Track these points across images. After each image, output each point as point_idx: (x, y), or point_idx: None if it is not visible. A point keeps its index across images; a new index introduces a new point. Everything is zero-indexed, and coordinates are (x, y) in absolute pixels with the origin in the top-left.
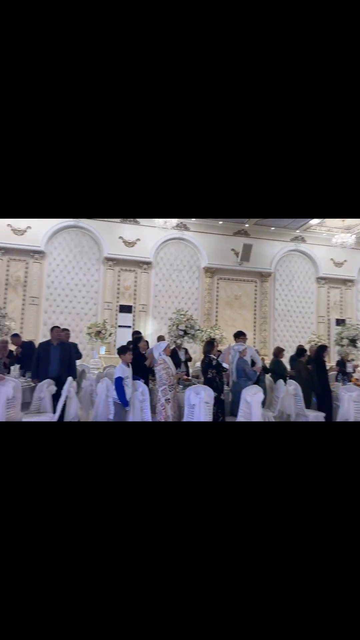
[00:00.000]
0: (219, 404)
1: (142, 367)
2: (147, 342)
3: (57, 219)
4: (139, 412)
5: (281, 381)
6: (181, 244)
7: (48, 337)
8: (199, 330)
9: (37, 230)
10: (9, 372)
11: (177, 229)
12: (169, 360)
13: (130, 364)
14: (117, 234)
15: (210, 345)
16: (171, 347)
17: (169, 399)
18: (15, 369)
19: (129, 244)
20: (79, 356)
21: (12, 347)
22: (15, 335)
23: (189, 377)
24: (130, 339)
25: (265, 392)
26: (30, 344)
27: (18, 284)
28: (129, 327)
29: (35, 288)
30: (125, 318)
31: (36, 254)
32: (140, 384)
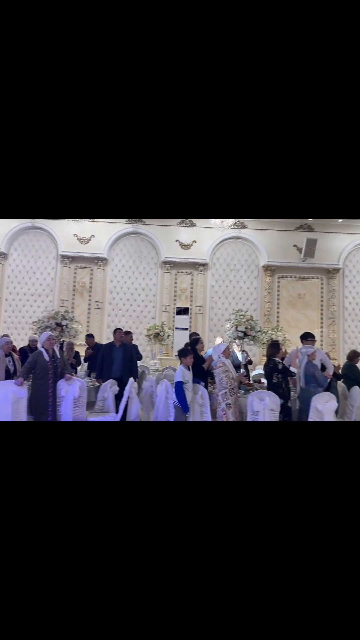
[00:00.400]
0: (285, 411)
1: (200, 370)
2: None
3: (118, 227)
4: (199, 416)
5: (356, 388)
6: (238, 243)
7: (112, 339)
8: (260, 331)
9: (100, 239)
10: (75, 372)
11: (234, 228)
12: (228, 363)
13: (190, 368)
14: (173, 238)
15: (275, 347)
16: (230, 350)
17: (230, 404)
18: (81, 368)
19: (185, 247)
20: (139, 357)
21: (81, 348)
22: (90, 336)
23: (251, 382)
24: (186, 340)
25: (337, 400)
26: (100, 346)
27: (84, 289)
28: (186, 329)
29: (99, 293)
30: (182, 320)
31: (100, 260)
32: (200, 387)
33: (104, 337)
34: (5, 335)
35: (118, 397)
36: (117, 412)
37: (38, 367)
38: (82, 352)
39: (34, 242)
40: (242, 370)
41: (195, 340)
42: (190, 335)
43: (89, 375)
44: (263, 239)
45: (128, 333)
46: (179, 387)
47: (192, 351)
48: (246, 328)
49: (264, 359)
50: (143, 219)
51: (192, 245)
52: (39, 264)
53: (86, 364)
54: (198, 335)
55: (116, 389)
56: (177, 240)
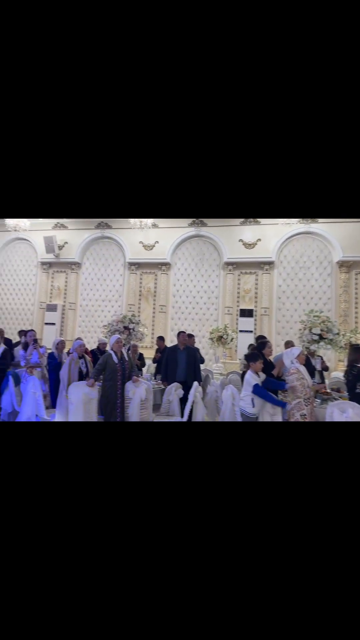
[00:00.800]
0: None
1: (269, 377)
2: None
3: (181, 232)
4: None
5: None
6: (308, 239)
7: (175, 342)
8: (337, 334)
9: (164, 244)
10: (141, 374)
11: (303, 222)
12: (303, 369)
13: (259, 374)
14: (237, 237)
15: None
16: (304, 354)
17: (305, 415)
18: (147, 369)
19: (249, 246)
20: (202, 360)
21: (145, 350)
22: (161, 338)
23: (328, 391)
24: (250, 343)
25: None
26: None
27: (149, 294)
28: (251, 331)
29: (163, 297)
30: (246, 322)
31: (163, 265)
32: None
33: (168, 340)
34: (79, 338)
35: (183, 400)
36: (182, 416)
37: (108, 369)
38: (147, 354)
39: (103, 251)
40: (316, 378)
41: (262, 344)
42: (257, 339)
43: (154, 377)
44: (336, 232)
45: (191, 336)
46: (261, 389)
47: (261, 356)
48: (322, 330)
49: (341, 365)
50: (204, 222)
51: (256, 244)
52: (108, 271)
53: (153, 366)
54: (265, 338)
55: (181, 392)
56: (240, 240)
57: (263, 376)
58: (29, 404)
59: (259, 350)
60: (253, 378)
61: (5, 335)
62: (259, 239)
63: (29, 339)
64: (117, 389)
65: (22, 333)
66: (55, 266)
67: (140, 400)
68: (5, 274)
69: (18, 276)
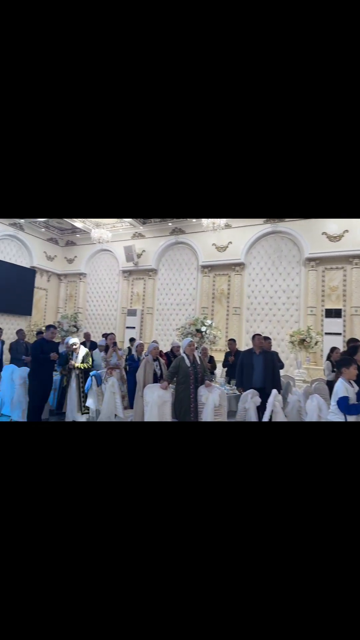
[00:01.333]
0: None
1: None
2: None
3: (255, 230)
4: None
5: None
6: None
7: (250, 346)
8: None
9: (237, 244)
10: (214, 378)
11: None
12: None
13: (354, 383)
14: (319, 230)
15: None
16: None
17: None
18: (221, 374)
19: (335, 239)
20: (281, 366)
21: (216, 353)
22: (232, 341)
23: None
24: (333, 346)
25: None
26: (240, 353)
27: (222, 296)
28: (339, 334)
29: (236, 299)
30: (334, 324)
31: (237, 266)
32: None
33: (243, 344)
34: (154, 341)
35: (260, 408)
36: None
37: (180, 372)
38: (221, 357)
39: (177, 256)
40: None
41: (353, 348)
42: (348, 342)
43: (228, 383)
44: None
45: (267, 339)
46: (345, 404)
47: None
48: None
49: None
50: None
51: (342, 237)
52: (182, 275)
53: (224, 370)
54: (358, 341)
55: (258, 400)
56: (323, 233)
57: (357, 388)
58: (109, 404)
59: (350, 356)
60: (343, 387)
61: (92, 339)
62: (346, 230)
63: (108, 341)
64: (190, 393)
65: (105, 336)
66: (134, 273)
67: (214, 406)
68: (92, 283)
69: (103, 284)
